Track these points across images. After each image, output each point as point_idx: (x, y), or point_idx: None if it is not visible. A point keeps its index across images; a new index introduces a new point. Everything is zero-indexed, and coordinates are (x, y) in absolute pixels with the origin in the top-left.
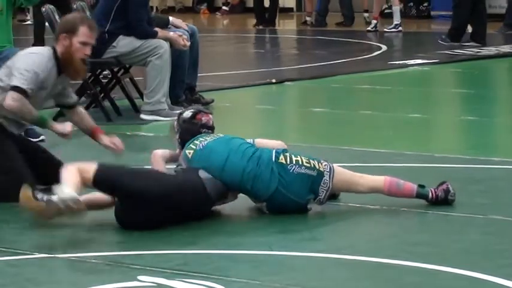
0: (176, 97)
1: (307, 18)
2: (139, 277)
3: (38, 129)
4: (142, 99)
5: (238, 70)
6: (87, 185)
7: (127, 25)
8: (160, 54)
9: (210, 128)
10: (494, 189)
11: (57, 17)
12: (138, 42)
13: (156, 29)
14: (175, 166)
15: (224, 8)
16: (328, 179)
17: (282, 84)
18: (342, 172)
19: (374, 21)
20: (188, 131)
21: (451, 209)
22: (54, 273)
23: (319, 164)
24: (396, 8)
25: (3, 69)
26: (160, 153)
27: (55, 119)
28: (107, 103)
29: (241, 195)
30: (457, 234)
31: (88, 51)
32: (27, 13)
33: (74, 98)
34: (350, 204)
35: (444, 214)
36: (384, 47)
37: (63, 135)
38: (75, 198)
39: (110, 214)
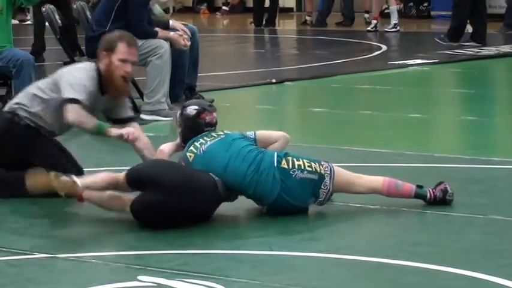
0: (176, 97)
1: (307, 18)
2: (139, 277)
3: None
4: (143, 99)
5: (238, 70)
6: (120, 186)
7: (127, 25)
8: (160, 54)
9: (214, 125)
10: (494, 189)
11: (57, 17)
12: (138, 42)
13: (157, 29)
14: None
15: (224, 8)
16: (328, 181)
17: (282, 84)
18: (342, 173)
19: (374, 21)
20: (191, 129)
21: (451, 209)
22: (54, 273)
23: (320, 166)
24: (393, 8)
25: (45, 82)
26: (166, 150)
27: None
28: None
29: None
30: (457, 234)
31: (128, 68)
32: (27, 13)
33: (128, 113)
34: (350, 204)
35: (444, 214)
36: (384, 47)
37: (123, 138)
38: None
39: (110, 214)
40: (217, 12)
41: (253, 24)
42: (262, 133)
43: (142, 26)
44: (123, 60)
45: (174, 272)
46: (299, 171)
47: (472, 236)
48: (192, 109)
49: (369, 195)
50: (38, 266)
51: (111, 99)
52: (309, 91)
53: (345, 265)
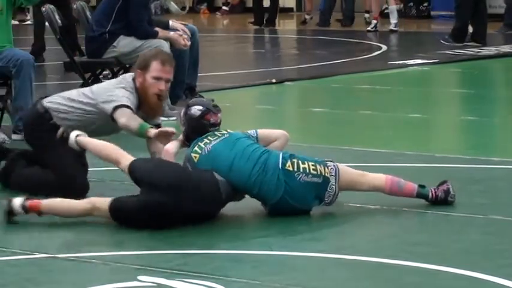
0: (176, 97)
1: (306, 17)
2: (139, 277)
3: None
4: None
5: (238, 70)
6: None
7: (127, 25)
8: None
9: (218, 126)
10: (494, 189)
11: (57, 17)
12: (139, 42)
13: (157, 29)
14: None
15: (224, 8)
16: (334, 183)
17: (282, 84)
18: (346, 172)
19: (374, 21)
20: (195, 129)
21: (451, 209)
22: (54, 273)
23: (325, 168)
24: (393, 8)
25: (82, 97)
26: (171, 150)
27: None
28: None
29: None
30: (457, 234)
31: (162, 86)
32: (27, 13)
33: (157, 121)
34: (350, 204)
35: (444, 214)
36: (384, 47)
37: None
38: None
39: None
40: (217, 12)
41: (253, 24)
42: (263, 132)
43: (143, 26)
44: (157, 78)
45: (174, 272)
46: (304, 174)
47: (472, 236)
48: (196, 109)
49: (370, 195)
50: (38, 266)
51: (144, 114)
52: (309, 91)
53: (345, 265)
